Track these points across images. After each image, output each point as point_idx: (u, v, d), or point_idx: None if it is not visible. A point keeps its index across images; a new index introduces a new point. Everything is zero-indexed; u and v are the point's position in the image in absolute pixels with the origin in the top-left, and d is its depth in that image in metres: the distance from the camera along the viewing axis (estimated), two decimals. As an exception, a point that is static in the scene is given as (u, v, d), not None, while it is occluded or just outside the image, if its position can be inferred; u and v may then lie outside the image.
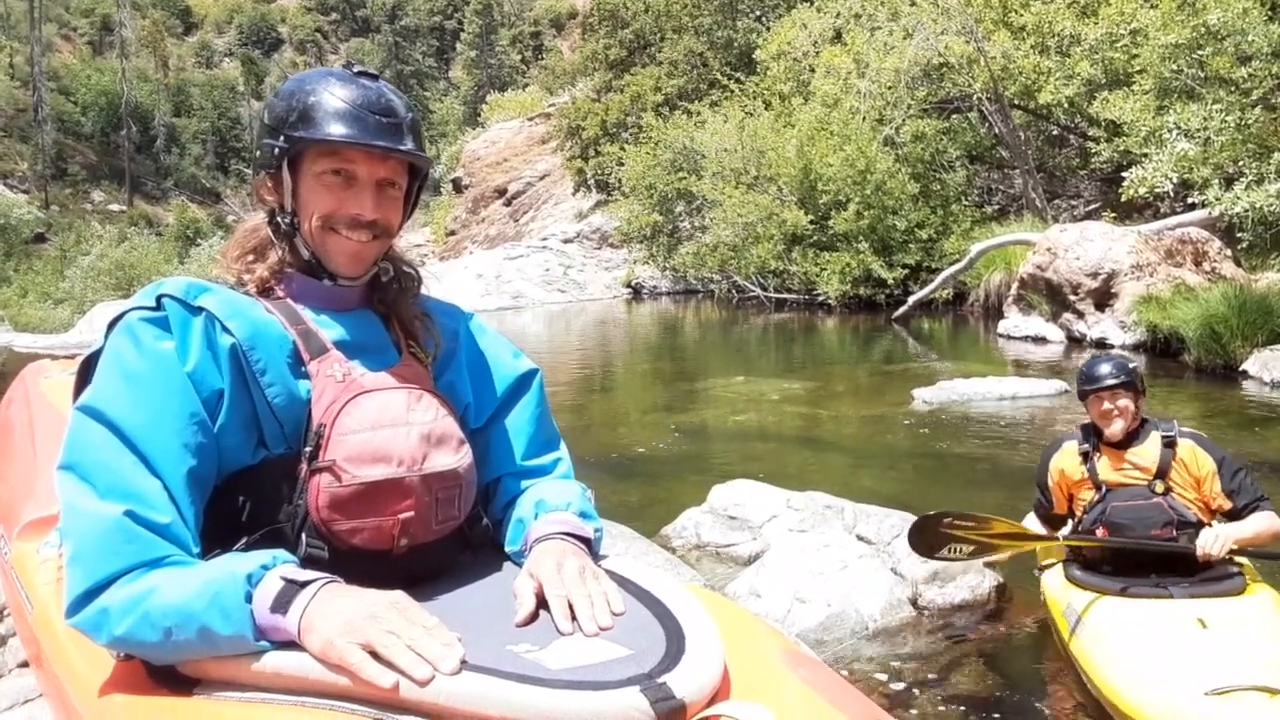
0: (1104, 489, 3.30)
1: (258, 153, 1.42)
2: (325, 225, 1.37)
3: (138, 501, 1.17)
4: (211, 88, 62.02)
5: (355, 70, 1.41)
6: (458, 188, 37.16)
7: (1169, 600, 2.98)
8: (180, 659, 1.16)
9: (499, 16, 64.09)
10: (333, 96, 1.35)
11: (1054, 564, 3.42)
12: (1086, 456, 3.37)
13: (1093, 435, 3.40)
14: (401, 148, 1.37)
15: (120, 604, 1.14)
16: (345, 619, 1.09)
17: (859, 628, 3.59)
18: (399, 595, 1.15)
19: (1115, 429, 3.28)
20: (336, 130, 1.33)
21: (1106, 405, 3.29)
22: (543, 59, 48.39)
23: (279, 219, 1.41)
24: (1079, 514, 3.40)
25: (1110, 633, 2.92)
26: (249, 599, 1.12)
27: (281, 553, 1.20)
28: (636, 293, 23.03)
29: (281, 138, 1.36)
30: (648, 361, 13.33)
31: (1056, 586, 3.31)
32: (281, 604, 1.11)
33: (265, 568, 1.15)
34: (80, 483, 1.19)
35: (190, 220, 45.99)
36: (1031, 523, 3.65)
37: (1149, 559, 3.16)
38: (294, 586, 1.13)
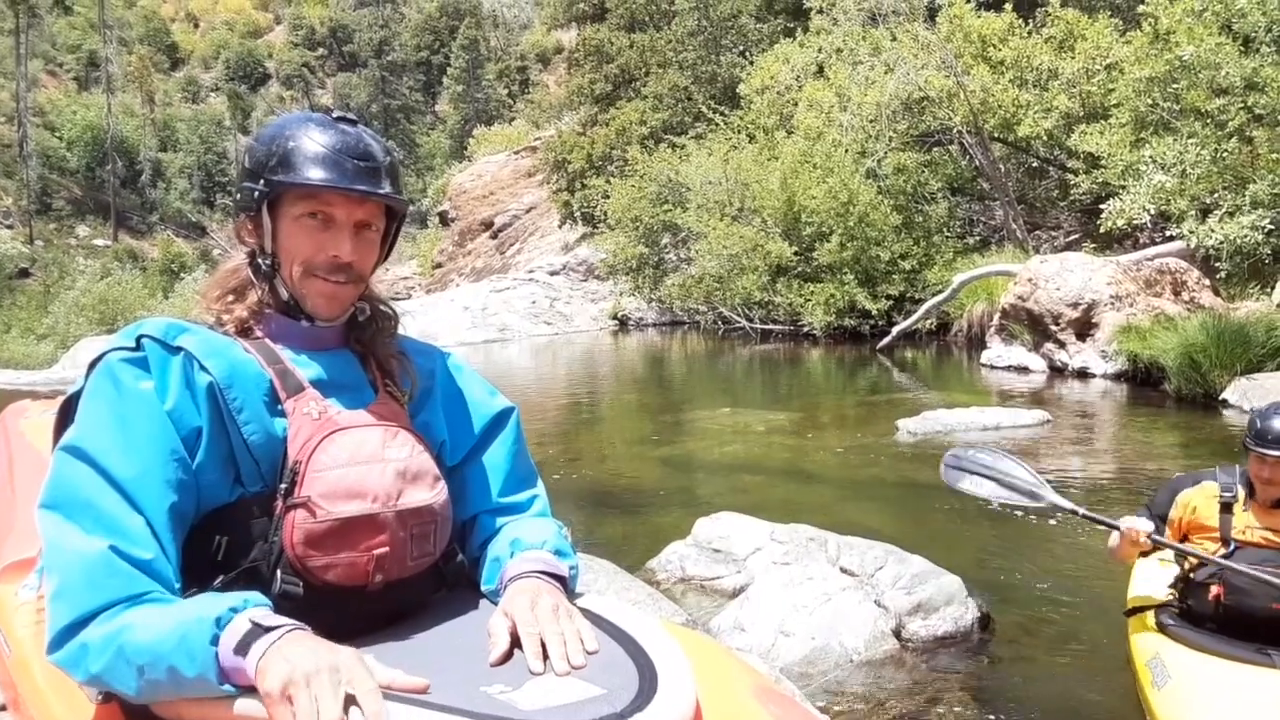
0: (1232, 545, 3.03)
1: (239, 195, 1.44)
2: (306, 271, 1.40)
3: (122, 537, 1.18)
4: (198, 122, 62.08)
5: (335, 115, 1.44)
6: (444, 221, 37.28)
7: (1274, 671, 2.75)
8: (153, 699, 1.16)
9: (485, 51, 64.51)
10: (312, 141, 1.38)
11: (1145, 609, 3.22)
12: (1226, 507, 3.08)
13: (1238, 487, 3.10)
14: (379, 191, 1.40)
15: (98, 640, 1.14)
16: (287, 672, 1.07)
17: (843, 660, 3.59)
18: (348, 655, 1.12)
19: (1276, 494, 3.02)
20: (315, 174, 1.36)
21: None
22: (529, 93, 48.70)
23: (259, 260, 1.44)
24: (1193, 563, 3.12)
25: (1202, 695, 2.71)
26: (215, 641, 1.12)
27: (255, 595, 1.20)
28: (623, 324, 23.08)
29: (261, 181, 1.38)
30: (634, 393, 13.34)
31: (1144, 633, 3.13)
32: (244, 647, 1.11)
33: (235, 610, 1.15)
34: (64, 520, 1.20)
35: (175, 254, 45.97)
36: (1139, 520, 3.24)
37: (1258, 622, 2.90)
38: (259, 630, 1.12)
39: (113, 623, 1.15)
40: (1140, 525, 3.16)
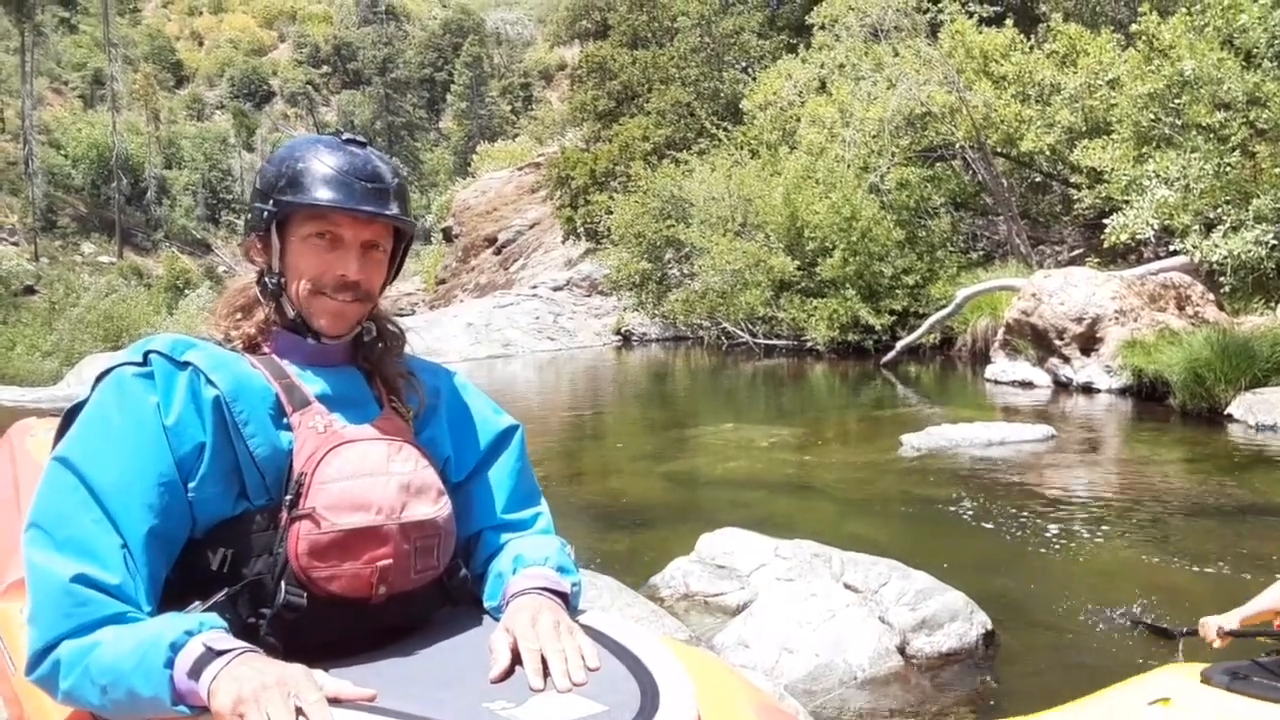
0: None
1: (248, 216, 1.48)
2: (313, 289, 1.42)
3: (92, 560, 1.21)
4: (203, 140, 62.25)
5: (345, 138, 1.47)
6: (448, 237, 37.34)
7: (1259, 701, 2.36)
8: (118, 715, 1.19)
9: (489, 68, 64.84)
10: (321, 163, 1.41)
11: None
12: None
13: None
14: (386, 212, 1.43)
15: (68, 659, 1.18)
16: (238, 692, 1.10)
17: (847, 677, 3.58)
18: (296, 670, 1.15)
19: None
20: (323, 195, 1.39)
21: None
22: (532, 110, 48.89)
23: (266, 279, 1.46)
24: None
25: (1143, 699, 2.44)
26: (169, 664, 1.14)
27: (210, 617, 1.22)
28: (626, 340, 23.07)
29: (270, 201, 1.42)
30: (638, 409, 13.33)
31: None
32: (196, 671, 1.14)
33: (189, 633, 1.17)
34: (42, 538, 1.23)
35: (180, 271, 46.05)
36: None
37: None
38: (211, 654, 1.15)
39: (82, 641, 1.18)
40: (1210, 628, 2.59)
